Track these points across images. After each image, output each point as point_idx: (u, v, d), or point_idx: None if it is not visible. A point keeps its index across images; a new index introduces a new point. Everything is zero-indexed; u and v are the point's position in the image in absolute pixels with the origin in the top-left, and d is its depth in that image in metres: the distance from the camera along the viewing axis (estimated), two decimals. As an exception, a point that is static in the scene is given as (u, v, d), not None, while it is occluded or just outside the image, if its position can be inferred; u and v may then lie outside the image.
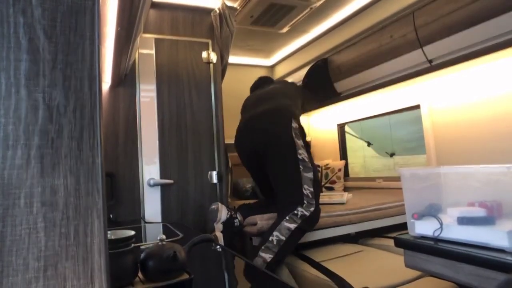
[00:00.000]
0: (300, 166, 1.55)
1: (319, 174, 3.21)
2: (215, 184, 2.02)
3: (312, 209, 1.53)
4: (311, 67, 2.69)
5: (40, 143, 0.40)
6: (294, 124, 1.64)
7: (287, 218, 1.49)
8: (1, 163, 0.38)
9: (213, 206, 1.56)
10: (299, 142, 1.59)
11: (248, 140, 1.76)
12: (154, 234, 1.59)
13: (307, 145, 1.66)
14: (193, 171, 2.00)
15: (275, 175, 1.64)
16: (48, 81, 0.41)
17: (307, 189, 1.54)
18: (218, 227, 1.55)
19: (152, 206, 1.89)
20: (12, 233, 0.37)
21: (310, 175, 1.56)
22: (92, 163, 0.43)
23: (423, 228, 1.00)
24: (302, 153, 1.57)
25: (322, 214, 1.78)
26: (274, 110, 1.74)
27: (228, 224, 1.57)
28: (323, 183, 3.18)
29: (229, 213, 1.57)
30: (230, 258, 1.17)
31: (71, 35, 0.43)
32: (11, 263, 0.37)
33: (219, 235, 1.54)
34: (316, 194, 1.58)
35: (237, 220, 1.59)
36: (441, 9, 1.80)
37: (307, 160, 1.58)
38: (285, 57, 3.28)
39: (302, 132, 1.67)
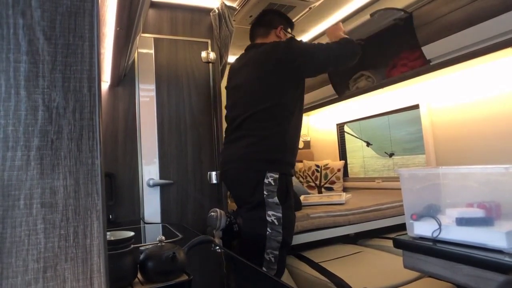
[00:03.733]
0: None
1: (319, 174, 3.22)
2: (215, 184, 2.02)
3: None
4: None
5: (39, 144, 0.40)
6: None
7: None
8: (1, 165, 0.38)
9: (213, 214, 1.56)
10: None
11: None
12: (153, 235, 1.59)
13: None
14: (192, 172, 2.00)
15: None
16: (48, 82, 0.41)
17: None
18: (218, 234, 1.56)
19: (151, 207, 1.89)
20: (12, 234, 0.37)
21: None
22: (92, 164, 0.43)
23: (421, 229, 1.01)
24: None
25: (321, 214, 1.78)
26: None
27: (227, 230, 1.57)
28: (322, 184, 3.18)
29: (228, 219, 1.57)
30: (229, 259, 1.17)
31: (70, 36, 0.43)
32: (10, 264, 0.37)
33: (218, 241, 1.54)
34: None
35: (236, 225, 1.59)
36: (439, 9, 1.81)
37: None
38: (285, 57, 3.28)
39: None
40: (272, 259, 1.46)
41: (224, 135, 1.81)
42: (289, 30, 1.86)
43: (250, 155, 1.56)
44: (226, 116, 1.81)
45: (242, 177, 1.57)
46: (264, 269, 1.44)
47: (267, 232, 1.45)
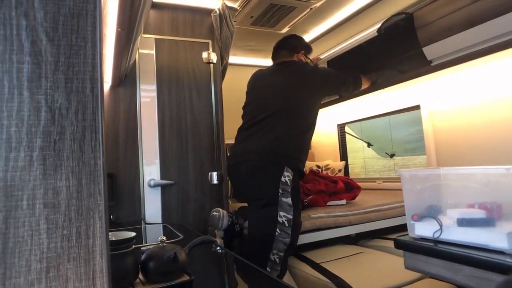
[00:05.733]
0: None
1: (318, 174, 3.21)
2: (216, 185, 2.02)
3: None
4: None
5: (42, 145, 0.40)
6: None
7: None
8: (4, 165, 0.38)
9: (215, 213, 1.56)
10: None
11: None
12: (154, 235, 1.59)
13: None
14: (193, 172, 2.00)
15: None
16: (50, 83, 0.42)
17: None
18: (219, 234, 1.56)
19: (152, 207, 1.89)
20: (15, 234, 0.37)
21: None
22: (94, 164, 0.43)
23: (422, 229, 1.00)
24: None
25: (322, 215, 1.78)
26: None
27: (229, 230, 1.58)
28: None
29: (230, 219, 1.58)
30: (230, 259, 1.17)
31: (73, 37, 0.43)
32: (14, 264, 0.37)
33: (220, 241, 1.55)
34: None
35: (237, 225, 1.60)
36: (440, 10, 1.81)
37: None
38: (285, 57, 3.28)
39: None
40: (277, 260, 1.47)
41: (237, 134, 1.85)
42: (309, 55, 2.10)
43: (272, 149, 1.62)
44: (244, 114, 1.88)
45: (260, 170, 1.61)
46: (268, 269, 1.45)
47: (276, 233, 1.48)
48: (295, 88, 1.77)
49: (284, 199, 1.51)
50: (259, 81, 1.94)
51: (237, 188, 1.87)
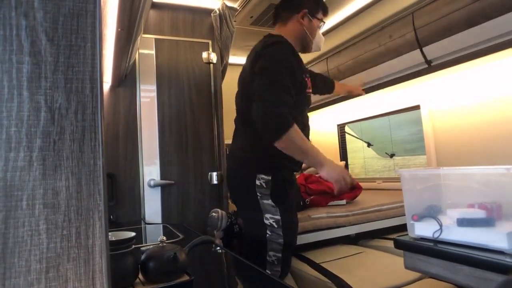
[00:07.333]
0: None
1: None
2: (215, 185, 2.02)
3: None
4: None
5: (42, 145, 0.40)
6: None
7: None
8: (3, 165, 0.38)
9: (214, 214, 1.55)
10: None
11: None
12: (154, 235, 1.60)
13: None
14: (193, 172, 2.00)
15: None
16: (50, 83, 0.42)
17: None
18: (218, 234, 1.55)
19: (152, 207, 1.89)
20: (15, 235, 0.37)
21: None
22: (94, 165, 0.43)
23: (422, 229, 1.01)
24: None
25: (322, 215, 1.78)
26: None
27: (227, 230, 1.57)
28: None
29: (229, 220, 1.57)
30: (230, 259, 1.17)
31: (72, 37, 0.43)
32: (13, 265, 0.37)
33: (219, 242, 1.54)
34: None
35: (236, 226, 1.59)
36: (440, 9, 1.81)
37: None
38: (285, 57, 3.28)
39: None
40: (275, 261, 1.40)
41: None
42: (318, 15, 1.54)
43: (241, 153, 1.49)
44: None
45: (235, 174, 1.52)
46: (267, 271, 1.41)
47: (267, 235, 1.40)
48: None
49: (265, 201, 1.40)
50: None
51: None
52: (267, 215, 1.40)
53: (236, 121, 1.58)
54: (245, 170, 1.46)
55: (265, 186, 1.40)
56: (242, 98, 1.51)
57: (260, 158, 1.43)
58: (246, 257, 1.46)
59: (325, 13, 1.58)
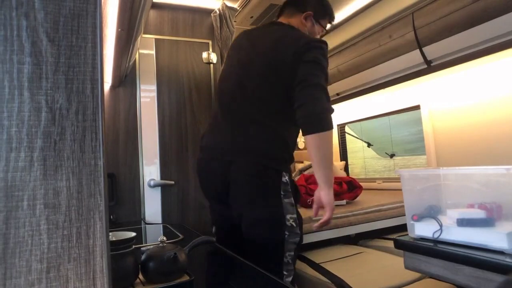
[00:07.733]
0: None
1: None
2: (215, 184, 2.02)
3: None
4: None
5: (43, 146, 0.40)
6: None
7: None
8: (4, 166, 0.38)
9: None
10: None
11: None
12: (154, 236, 1.60)
13: None
14: (193, 172, 2.00)
15: None
16: (51, 84, 0.42)
17: None
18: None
19: (152, 207, 1.89)
20: (16, 235, 0.37)
21: None
22: (95, 165, 0.43)
23: (422, 229, 1.01)
24: None
25: (322, 215, 1.78)
26: None
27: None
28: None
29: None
30: (230, 259, 1.17)
31: (73, 38, 0.43)
32: (14, 265, 0.37)
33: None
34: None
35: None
36: (440, 9, 1.81)
37: None
38: (285, 57, 3.28)
39: None
40: (290, 260, 1.34)
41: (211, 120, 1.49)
42: (323, 21, 1.51)
43: (267, 149, 1.32)
44: (219, 91, 1.46)
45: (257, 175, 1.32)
46: (284, 272, 1.32)
47: (286, 236, 1.31)
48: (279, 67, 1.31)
49: (286, 200, 1.31)
50: (239, 51, 1.46)
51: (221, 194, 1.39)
52: (288, 216, 1.31)
53: (245, 110, 1.36)
54: (272, 165, 1.31)
55: (288, 183, 1.32)
56: (267, 83, 1.33)
57: (285, 152, 1.35)
58: (256, 260, 1.36)
59: (331, 22, 1.56)
